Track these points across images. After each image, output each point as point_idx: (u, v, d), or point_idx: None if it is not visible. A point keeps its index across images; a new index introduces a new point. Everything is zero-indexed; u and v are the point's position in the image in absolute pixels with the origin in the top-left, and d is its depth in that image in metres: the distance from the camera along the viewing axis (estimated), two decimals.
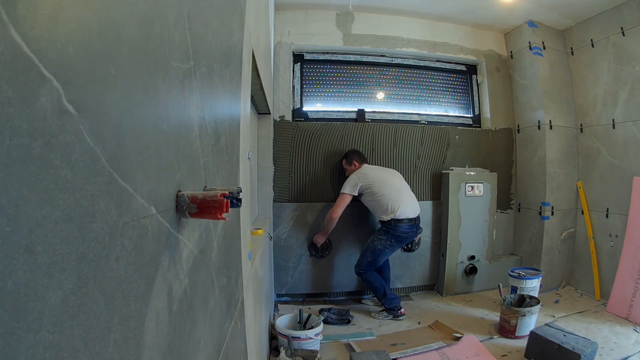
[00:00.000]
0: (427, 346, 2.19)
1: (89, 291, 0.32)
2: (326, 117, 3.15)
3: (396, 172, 2.87)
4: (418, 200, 2.79)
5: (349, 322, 2.58)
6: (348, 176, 2.77)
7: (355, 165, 2.78)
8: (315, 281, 3.01)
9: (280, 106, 2.99)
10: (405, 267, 3.12)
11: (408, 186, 2.79)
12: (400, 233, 2.60)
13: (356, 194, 2.66)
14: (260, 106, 2.51)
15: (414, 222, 2.66)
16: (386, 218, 2.58)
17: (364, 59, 3.24)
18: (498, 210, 3.31)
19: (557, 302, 2.90)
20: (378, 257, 2.64)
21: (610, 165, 2.90)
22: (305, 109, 3.15)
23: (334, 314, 2.61)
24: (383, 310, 2.67)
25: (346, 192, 2.64)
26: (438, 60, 3.36)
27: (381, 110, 3.27)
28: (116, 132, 0.37)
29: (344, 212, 2.66)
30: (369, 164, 2.85)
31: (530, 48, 3.16)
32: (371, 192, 2.62)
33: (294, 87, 3.11)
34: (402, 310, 2.66)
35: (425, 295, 3.12)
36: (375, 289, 2.66)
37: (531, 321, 2.29)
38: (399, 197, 2.61)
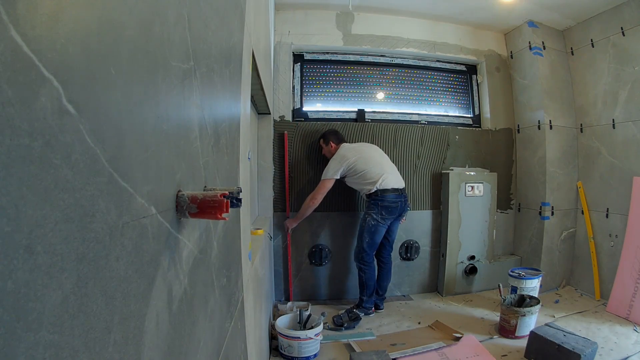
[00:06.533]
0: (427, 346, 2.19)
1: (89, 291, 0.32)
2: (326, 117, 3.14)
3: (376, 146, 2.81)
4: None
5: None
6: (325, 155, 2.75)
7: (332, 146, 2.73)
8: (315, 289, 3.01)
9: (280, 106, 2.99)
10: (405, 276, 3.13)
11: (389, 160, 2.75)
12: (389, 203, 2.55)
13: (338, 177, 2.61)
14: (260, 106, 2.51)
15: (400, 192, 2.62)
16: (372, 189, 2.55)
17: (364, 59, 3.23)
18: (498, 210, 3.31)
19: (557, 302, 2.90)
20: (374, 234, 2.58)
21: (610, 165, 2.90)
22: (305, 109, 3.15)
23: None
24: (354, 308, 2.60)
25: (328, 177, 2.59)
26: (438, 60, 3.36)
27: (381, 110, 3.27)
28: (116, 132, 0.37)
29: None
30: (347, 142, 2.80)
31: (530, 48, 3.16)
32: (354, 171, 2.58)
33: (294, 87, 3.11)
34: (373, 308, 2.69)
35: (426, 296, 3.12)
36: (367, 287, 2.62)
37: (531, 321, 2.29)
38: (381, 169, 2.59)
